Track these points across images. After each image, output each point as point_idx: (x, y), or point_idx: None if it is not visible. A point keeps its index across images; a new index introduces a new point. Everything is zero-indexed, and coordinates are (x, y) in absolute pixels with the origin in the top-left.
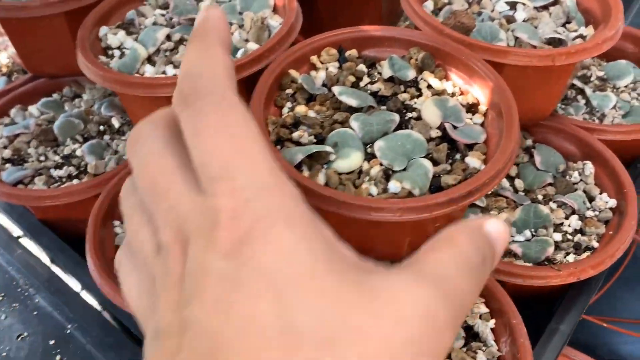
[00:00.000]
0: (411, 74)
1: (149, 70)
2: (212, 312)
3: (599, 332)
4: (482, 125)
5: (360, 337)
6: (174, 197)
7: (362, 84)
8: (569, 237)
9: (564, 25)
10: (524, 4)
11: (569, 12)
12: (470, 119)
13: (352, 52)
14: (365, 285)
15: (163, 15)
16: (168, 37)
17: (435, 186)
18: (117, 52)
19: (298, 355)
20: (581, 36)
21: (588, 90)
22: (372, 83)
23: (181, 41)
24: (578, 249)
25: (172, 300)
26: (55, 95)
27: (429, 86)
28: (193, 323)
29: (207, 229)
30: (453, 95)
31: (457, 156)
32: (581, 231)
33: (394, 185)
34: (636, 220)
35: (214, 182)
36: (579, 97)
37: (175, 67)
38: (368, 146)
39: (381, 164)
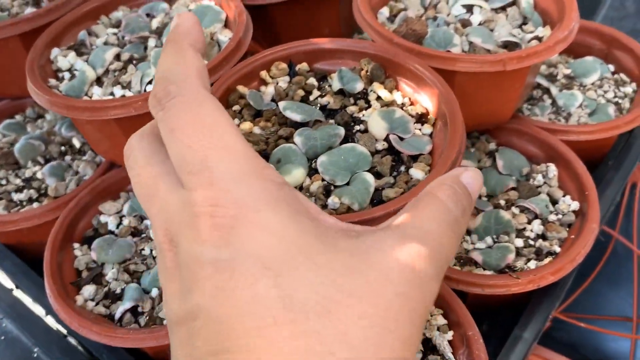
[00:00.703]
0: (359, 86)
1: (96, 92)
2: (215, 299)
3: (582, 330)
4: (430, 135)
5: (356, 300)
6: (161, 200)
7: (312, 97)
8: (531, 242)
9: (520, 26)
10: (480, 7)
11: (526, 13)
12: (420, 129)
13: (303, 66)
14: (355, 251)
15: (115, 34)
16: (118, 57)
17: (378, 200)
18: (67, 75)
19: (303, 326)
20: (537, 37)
21: (554, 90)
22: (322, 96)
23: (130, 60)
24: (539, 254)
25: (175, 291)
26: (18, 117)
27: (378, 97)
28: (200, 311)
29: (190, 221)
30: (403, 105)
31: (402, 168)
32: (543, 236)
33: (332, 201)
34: (598, 223)
35: (192, 176)
36: (545, 96)
37: (124, 87)
38: (313, 161)
39: (323, 180)
